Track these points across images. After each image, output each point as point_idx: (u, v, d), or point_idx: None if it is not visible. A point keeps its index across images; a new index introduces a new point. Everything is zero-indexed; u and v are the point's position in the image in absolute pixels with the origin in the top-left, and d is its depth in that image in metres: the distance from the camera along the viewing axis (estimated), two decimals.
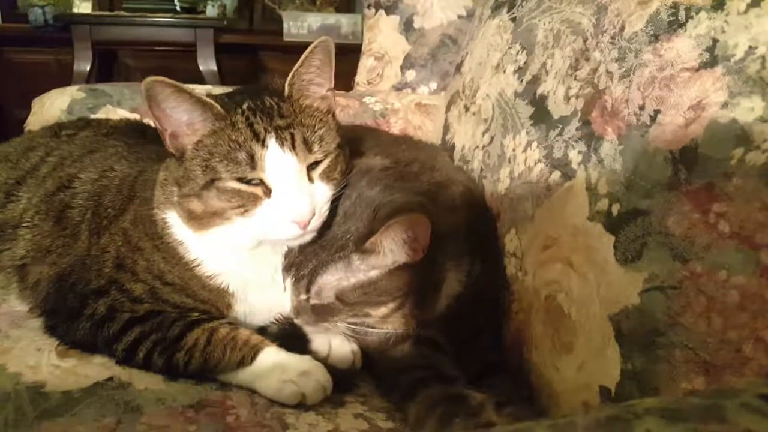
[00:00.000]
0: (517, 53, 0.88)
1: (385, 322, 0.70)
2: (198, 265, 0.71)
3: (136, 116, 1.27)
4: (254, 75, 3.70)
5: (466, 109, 1.02)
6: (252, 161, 0.62)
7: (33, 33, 3.53)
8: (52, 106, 1.28)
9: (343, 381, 0.70)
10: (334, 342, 0.74)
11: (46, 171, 0.86)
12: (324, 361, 0.72)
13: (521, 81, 0.85)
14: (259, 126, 0.63)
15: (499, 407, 0.63)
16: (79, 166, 0.84)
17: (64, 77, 2.69)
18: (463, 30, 1.32)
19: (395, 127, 1.33)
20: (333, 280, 0.67)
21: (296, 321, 0.73)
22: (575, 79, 0.73)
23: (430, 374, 0.69)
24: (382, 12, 1.40)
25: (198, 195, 0.64)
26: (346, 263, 0.67)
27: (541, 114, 0.78)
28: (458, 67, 1.14)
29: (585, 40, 0.73)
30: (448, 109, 1.12)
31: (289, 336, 0.75)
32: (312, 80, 0.69)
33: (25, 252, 0.80)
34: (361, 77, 1.50)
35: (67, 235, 0.78)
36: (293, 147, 0.63)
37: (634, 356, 0.56)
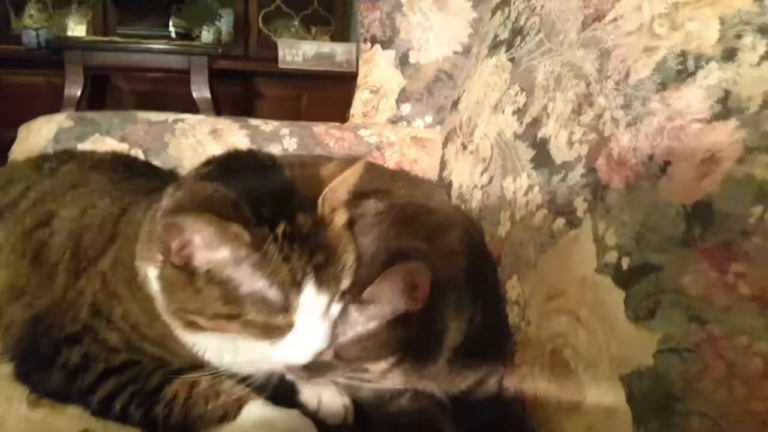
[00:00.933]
0: (516, 94, 0.87)
1: (384, 377, 0.66)
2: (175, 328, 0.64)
3: (124, 146, 1.24)
4: (249, 101, 3.70)
5: (464, 147, 1.00)
6: (285, 303, 0.55)
7: (26, 55, 3.52)
8: (38, 135, 1.24)
9: None
10: (325, 395, 0.69)
11: (25, 207, 0.82)
12: (314, 414, 0.68)
13: (521, 123, 0.83)
14: (297, 264, 0.54)
15: None
16: (60, 203, 0.80)
17: (55, 99, 2.66)
18: (459, 65, 1.31)
19: (391, 160, 1.31)
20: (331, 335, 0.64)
21: (287, 377, 0.68)
22: (578, 124, 0.71)
23: None
24: (378, 46, 1.39)
25: (210, 318, 0.56)
26: (343, 316, 0.64)
27: (542, 158, 0.76)
28: (455, 104, 1.12)
29: (588, 85, 0.71)
30: (444, 145, 1.10)
31: (276, 386, 0.71)
32: (343, 195, 0.62)
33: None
34: (356, 110, 1.49)
35: (44, 276, 0.74)
36: (328, 287, 0.57)
37: (647, 421, 0.53)
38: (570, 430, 0.63)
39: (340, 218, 0.62)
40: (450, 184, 1.01)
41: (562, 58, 0.78)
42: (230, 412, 0.63)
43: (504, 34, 0.97)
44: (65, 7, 3.85)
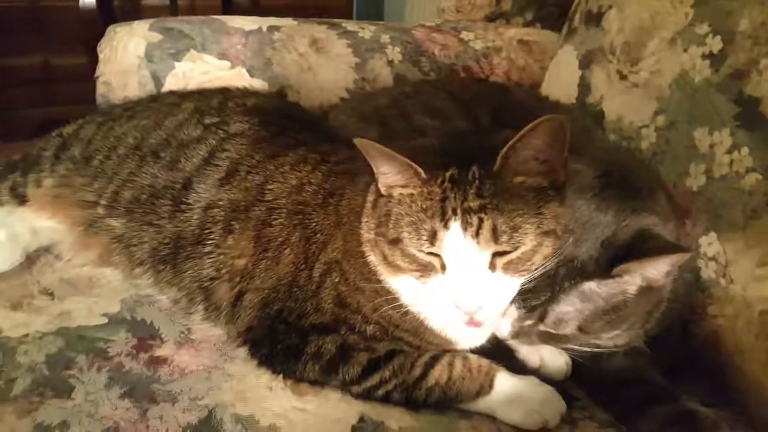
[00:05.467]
0: (707, 36, 0.81)
1: (610, 341, 0.72)
2: (424, 318, 0.69)
3: (225, 63, 1.14)
4: None
5: (622, 76, 0.96)
6: (433, 238, 0.59)
7: None
8: (125, 52, 1.12)
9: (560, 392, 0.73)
10: (545, 353, 0.75)
11: (218, 177, 0.78)
12: (536, 372, 0.74)
13: (716, 71, 0.79)
14: (449, 204, 0.59)
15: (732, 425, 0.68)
16: (264, 175, 0.78)
17: None
18: None
19: (498, 68, 1.25)
20: (572, 310, 0.67)
21: (509, 342, 0.73)
22: None
23: (650, 390, 0.72)
24: None
25: (386, 240, 0.64)
26: (582, 292, 0.67)
27: (752, 118, 0.74)
28: (595, 19, 1.05)
29: None
30: (585, 66, 1.05)
31: (494, 346, 0.76)
32: (533, 157, 0.60)
33: (215, 273, 0.75)
34: (448, 2, 1.37)
35: (270, 258, 0.73)
36: (477, 234, 0.58)
37: None
38: None
39: (524, 179, 0.61)
40: (601, 114, 0.98)
41: None
42: (485, 387, 0.69)
43: None
44: None
